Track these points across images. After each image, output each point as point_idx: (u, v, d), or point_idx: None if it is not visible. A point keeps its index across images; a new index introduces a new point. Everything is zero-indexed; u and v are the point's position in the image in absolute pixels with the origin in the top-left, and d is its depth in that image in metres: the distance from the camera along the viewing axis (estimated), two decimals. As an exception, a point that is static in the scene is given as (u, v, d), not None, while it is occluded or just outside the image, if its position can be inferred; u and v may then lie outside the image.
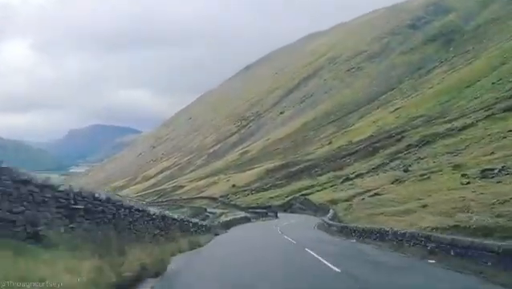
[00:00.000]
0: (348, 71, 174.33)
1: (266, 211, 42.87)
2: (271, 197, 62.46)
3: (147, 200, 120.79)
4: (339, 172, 60.59)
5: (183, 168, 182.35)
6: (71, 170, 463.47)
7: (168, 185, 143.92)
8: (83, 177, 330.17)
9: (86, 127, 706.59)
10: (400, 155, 54.57)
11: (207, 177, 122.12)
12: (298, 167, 79.64)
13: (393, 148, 60.46)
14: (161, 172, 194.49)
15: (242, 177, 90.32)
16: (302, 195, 53.91)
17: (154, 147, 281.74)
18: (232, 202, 66.64)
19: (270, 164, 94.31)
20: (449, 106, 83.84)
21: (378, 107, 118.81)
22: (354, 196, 40.32)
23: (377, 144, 68.62)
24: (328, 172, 65.49)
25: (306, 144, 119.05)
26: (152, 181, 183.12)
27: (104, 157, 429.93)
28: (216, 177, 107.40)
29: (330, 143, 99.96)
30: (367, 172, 52.21)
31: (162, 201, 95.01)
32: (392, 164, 50.50)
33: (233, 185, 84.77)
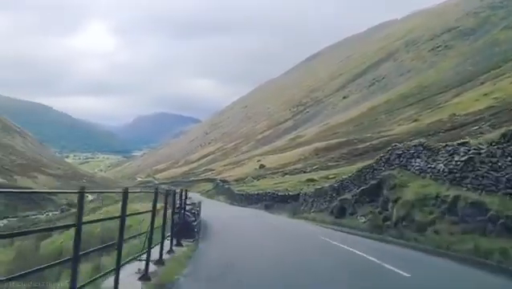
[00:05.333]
0: (432, 50, 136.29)
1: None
2: (310, 180, 31.32)
3: (167, 182, 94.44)
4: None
5: (227, 154, 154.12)
6: (133, 154, 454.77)
7: (201, 168, 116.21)
8: (138, 160, 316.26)
9: (152, 114, 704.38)
10: None
11: (243, 160, 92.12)
12: (368, 143, 47.45)
13: None
14: (204, 156, 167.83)
15: (278, 158, 59.82)
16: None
17: (207, 133, 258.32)
18: (226, 186, 36.80)
19: (321, 143, 62.47)
20: None
21: (482, 83, 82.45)
22: None
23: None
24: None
25: (375, 126, 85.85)
26: (194, 165, 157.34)
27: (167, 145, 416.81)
28: (247, 159, 76.98)
29: (415, 120, 66.33)
30: None
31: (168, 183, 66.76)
32: None
33: (261, 166, 54.38)
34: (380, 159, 20.85)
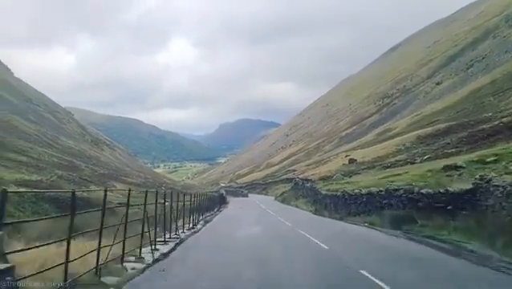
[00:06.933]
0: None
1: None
2: (448, 167, 20.42)
3: (244, 186, 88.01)
4: None
5: (309, 154, 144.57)
6: (218, 160, 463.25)
7: (283, 170, 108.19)
8: (222, 167, 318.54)
9: (234, 121, 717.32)
10: None
11: (327, 158, 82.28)
12: (497, 122, 35.53)
13: None
14: (286, 158, 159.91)
15: (370, 151, 49.58)
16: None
17: (287, 135, 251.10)
18: (307, 185, 27.42)
19: (425, 129, 50.95)
20: None
21: None
22: None
23: None
24: None
25: (483, 110, 71.10)
26: (276, 167, 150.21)
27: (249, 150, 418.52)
28: (332, 157, 67.18)
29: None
30: None
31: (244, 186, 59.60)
32: None
33: (351, 161, 44.77)
34: None
